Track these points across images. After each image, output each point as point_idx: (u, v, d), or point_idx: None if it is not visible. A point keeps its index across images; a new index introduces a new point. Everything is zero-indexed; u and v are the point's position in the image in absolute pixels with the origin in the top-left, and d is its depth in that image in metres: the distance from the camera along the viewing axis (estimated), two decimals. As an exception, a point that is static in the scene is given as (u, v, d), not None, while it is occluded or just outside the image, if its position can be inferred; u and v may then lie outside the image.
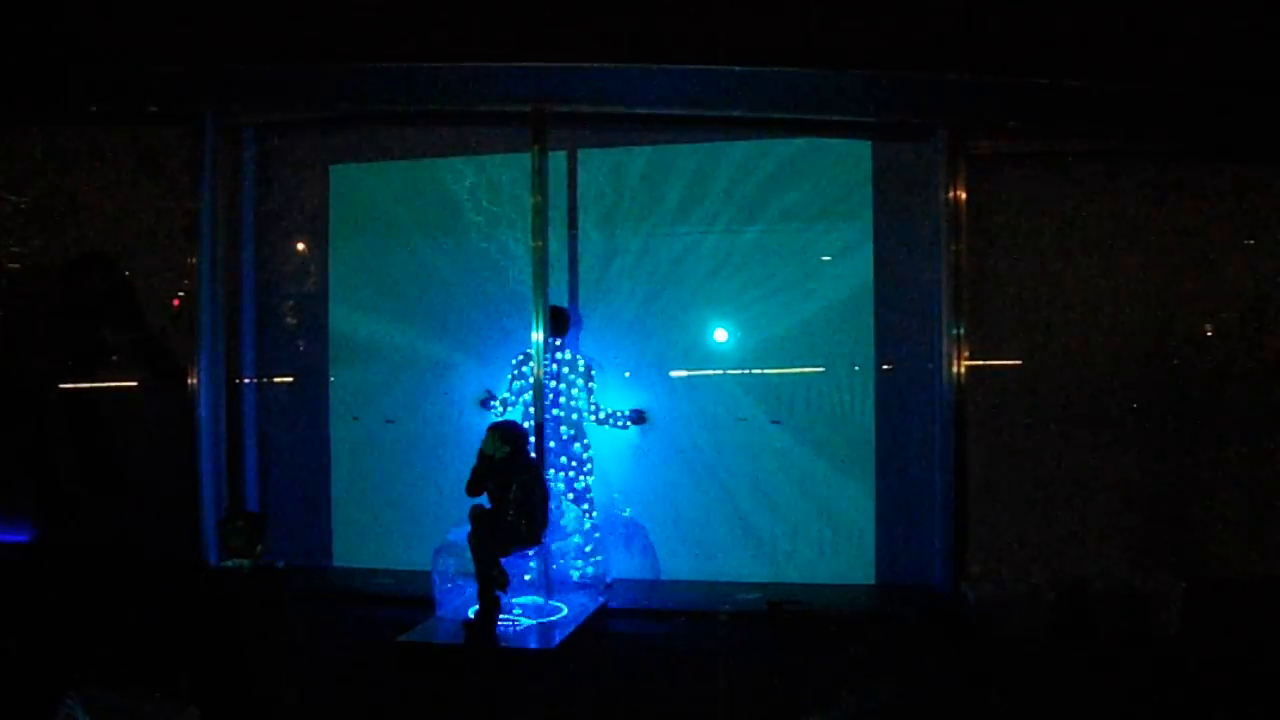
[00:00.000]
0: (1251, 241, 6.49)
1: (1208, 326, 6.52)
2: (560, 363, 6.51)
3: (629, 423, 6.70)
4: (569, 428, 6.50)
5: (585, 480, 6.55)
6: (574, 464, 6.50)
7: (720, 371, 6.85)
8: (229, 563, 4.01)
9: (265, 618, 3.97)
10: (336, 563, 7.19)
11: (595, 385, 6.64)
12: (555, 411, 6.45)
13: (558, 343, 6.53)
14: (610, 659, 5.50)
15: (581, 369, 6.55)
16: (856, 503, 6.69)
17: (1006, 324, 6.62)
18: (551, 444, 6.41)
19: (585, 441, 6.57)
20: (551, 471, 6.41)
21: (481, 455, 5.73)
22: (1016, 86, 5.77)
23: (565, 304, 6.77)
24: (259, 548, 4.07)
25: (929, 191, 6.52)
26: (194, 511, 6.51)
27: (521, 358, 6.55)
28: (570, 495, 6.47)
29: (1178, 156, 6.55)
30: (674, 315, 6.88)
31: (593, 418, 6.59)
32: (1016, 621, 5.66)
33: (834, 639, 5.66)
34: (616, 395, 6.83)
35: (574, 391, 6.51)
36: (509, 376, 6.62)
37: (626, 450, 6.88)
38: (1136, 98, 5.86)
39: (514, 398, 6.57)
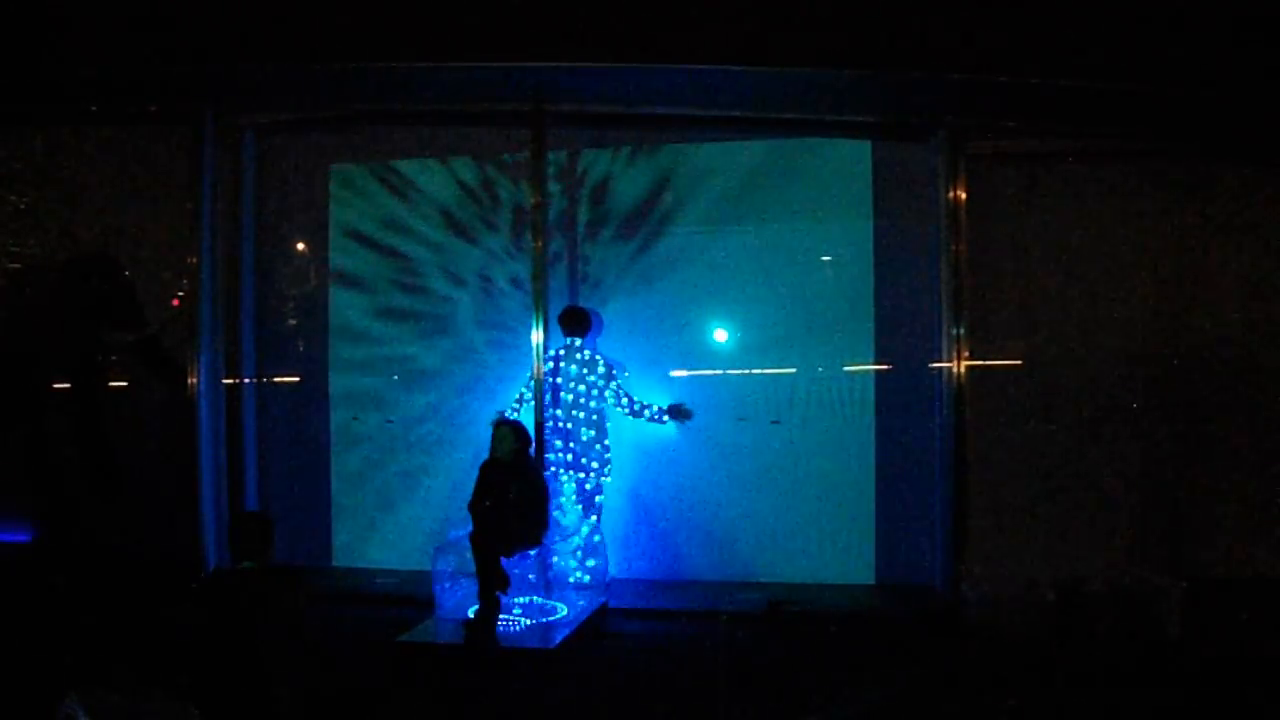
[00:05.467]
0: (1251, 241, 6.48)
1: (1208, 326, 6.51)
2: (580, 364, 6.48)
3: (665, 417, 6.55)
4: (590, 429, 6.45)
5: (601, 481, 6.52)
6: (595, 465, 6.46)
7: (720, 371, 6.85)
8: (247, 564, 4.01)
9: (285, 618, 3.96)
10: (336, 563, 7.19)
11: (621, 382, 6.52)
12: (576, 414, 6.42)
13: (577, 343, 6.50)
14: (610, 659, 5.50)
15: (602, 370, 6.48)
16: (856, 503, 6.68)
17: (1006, 324, 6.62)
18: (572, 445, 6.42)
19: (606, 443, 6.52)
20: (562, 472, 6.42)
21: (484, 466, 5.72)
22: (1016, 86, 5.76)
23: (566, 304, 6.75)
24: (269, 549, 4.08)
25: (929, 191, 6.52)
26: (194, 512, 6.51)
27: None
28: (576, 498, 6.46)
29: (1178, 156, 6.55)
30: (674, 315, 6.88)
31: (627, 411, 6.49)
32: (1016, 621, 5.66)
33: (834, 639, 5.66)
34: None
35: (593, 393, 6.48)
36: (521, 388, 6.57)
37: (626, 451, 6.87)
38: (1136, 98, 5.85)
39: (519, 406, 6.54)
